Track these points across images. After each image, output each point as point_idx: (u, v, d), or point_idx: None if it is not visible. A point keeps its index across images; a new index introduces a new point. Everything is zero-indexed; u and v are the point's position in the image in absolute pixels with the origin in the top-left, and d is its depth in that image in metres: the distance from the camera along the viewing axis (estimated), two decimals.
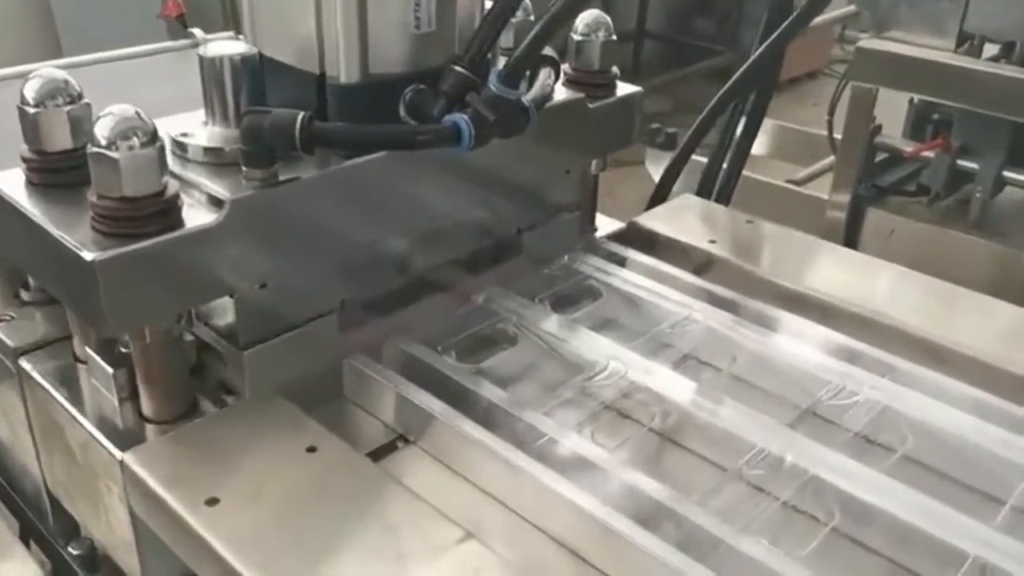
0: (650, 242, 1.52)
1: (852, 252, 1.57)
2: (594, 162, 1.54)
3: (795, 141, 3.25)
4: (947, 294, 1.41)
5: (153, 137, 1.04)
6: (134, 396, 1.16)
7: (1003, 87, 2.39)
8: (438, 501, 1.02)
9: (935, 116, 2.72)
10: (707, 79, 5.84)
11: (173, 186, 1.07)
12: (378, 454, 1.15)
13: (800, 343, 1.29)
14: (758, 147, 3.37)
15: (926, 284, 1.43)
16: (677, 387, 1.20)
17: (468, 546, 0.95)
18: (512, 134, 1.22)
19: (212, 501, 0.98)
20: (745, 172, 3.05)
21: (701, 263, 1.47)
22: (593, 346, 1.26)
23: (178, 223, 1.07)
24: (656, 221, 1.56)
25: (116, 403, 1.17)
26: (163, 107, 1.20)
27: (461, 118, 1.15)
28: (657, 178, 1.97)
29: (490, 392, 1.16)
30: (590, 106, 1.44)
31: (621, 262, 1.47)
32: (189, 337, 1.21)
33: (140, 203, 1.03)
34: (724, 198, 2.02)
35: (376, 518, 0.98)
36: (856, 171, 2.69)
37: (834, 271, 1.47)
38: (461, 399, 1.16)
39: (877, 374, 1.23)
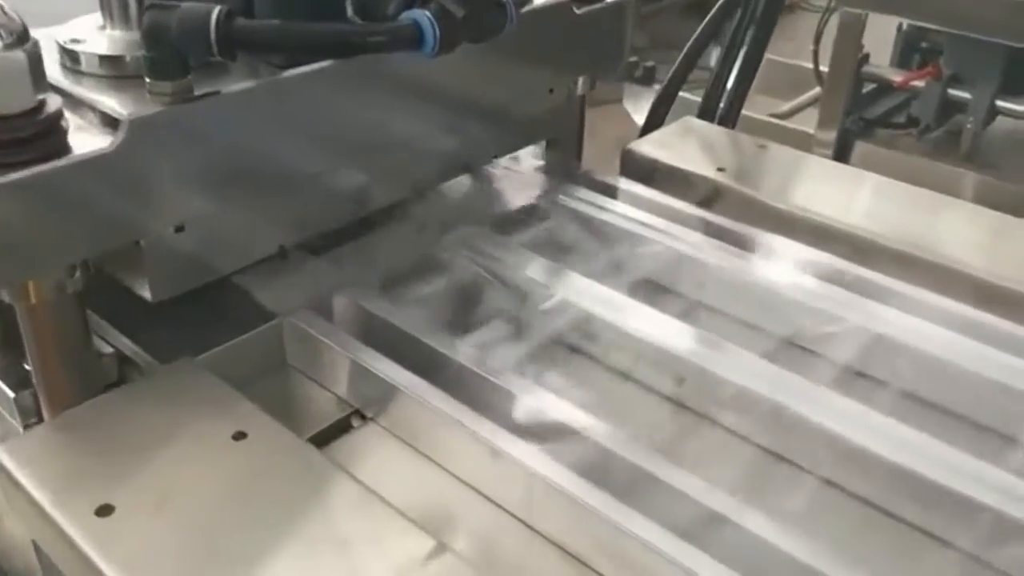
0: (648, 171, 1.24)
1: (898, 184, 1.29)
2: (580, 81, 1.25)
3: (777, 74, 2.97)
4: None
5: (21, 37, 0.77)
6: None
7: (996, 9, 2.15)
8: (402, 496, 0.76)
9: (924, 44, 2.50)
10: (684, 12, 5.49)
11: (55, 103, 0.80)
12: (328, 435, 0.88)
13: (781, 265, 1.04)
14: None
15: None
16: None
17: (440, 563, 0.68)
18: (487, 37, 0.95)
19: (105, 509, 0.71)
20: None
21: (709, 195, 1.19)
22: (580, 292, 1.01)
23: (62, 149, 0.80)
24: (652, 147, 1.27)
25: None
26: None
27: (423, 15, 0.88)
28: (637, 117, 1.69)
29: (462, 354, 0.89)
30: (576, 12, 1.16)
31: (613, 194, 1.20)
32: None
33: (8, 123, 0.76)
34: (728, 125, 1.73)
35: (320, 526, 0.71)
36: (843, 103, 2.46)
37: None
38: (429, 363, 0.89)
39: (867, 297, 1.00)
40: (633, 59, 2.73)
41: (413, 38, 0.88)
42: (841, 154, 2.48)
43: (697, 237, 1.10)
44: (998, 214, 1.18)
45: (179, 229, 0.88)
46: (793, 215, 1.14)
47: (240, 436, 0.78)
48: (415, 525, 0.72)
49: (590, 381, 0.94)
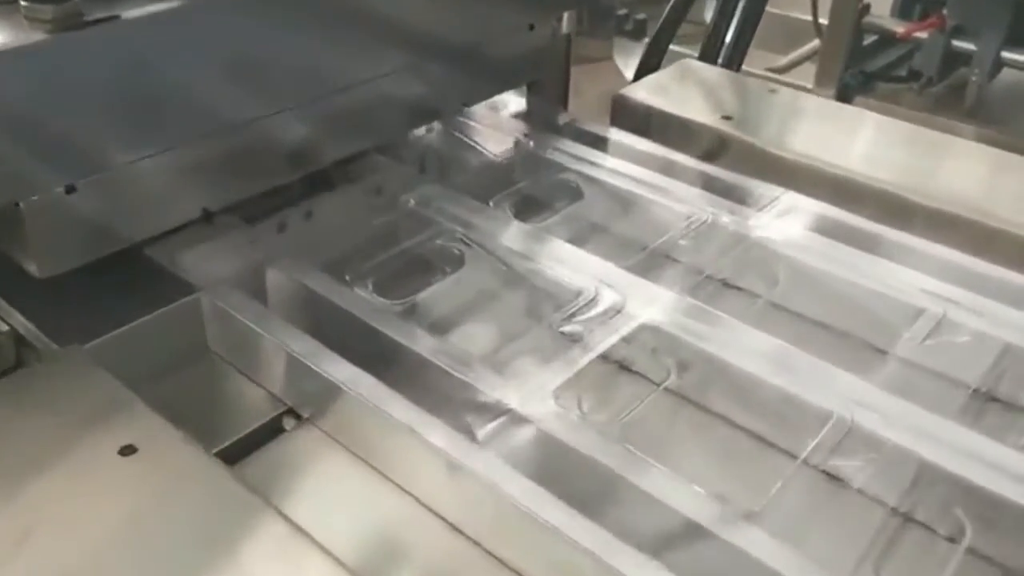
0: (643, 120, 1.03)
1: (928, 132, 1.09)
2: (566, 17, 1.04)
3: (773, 26, 2.77)
4: None
5: None
6: None
7: None
8: (341, 524, 0.60)
9: None
10: None
11: None
12: (252, 441, 0.68)
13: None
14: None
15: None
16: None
17: None
18: None
19: None
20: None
21: (713, 147, 0.98)
22: (574, 266, 0.79)
23: None
24: (648, 93, 1.06)
25: None
26: None
27: None
28: (628, 74, 1.52)
29: (423, 344, 0.69)
30: None
31: (604, 147, 0.99)
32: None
33: None
34: (733, 67, 1.52)
35: (222, 571, 0.52)
36: (843, 56, 2.29)
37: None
38: (379, 353, 0.69)
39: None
40: (623, 11, 2.50)
41: None
42: None
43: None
44: None
45: (70, 190, 0.69)
46: (813, 168, 0.94)
47: (129, 450, 0.59)
48: (333, 560, 0.53)
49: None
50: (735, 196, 0.91)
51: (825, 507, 0.66)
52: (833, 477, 0.67)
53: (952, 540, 0.62)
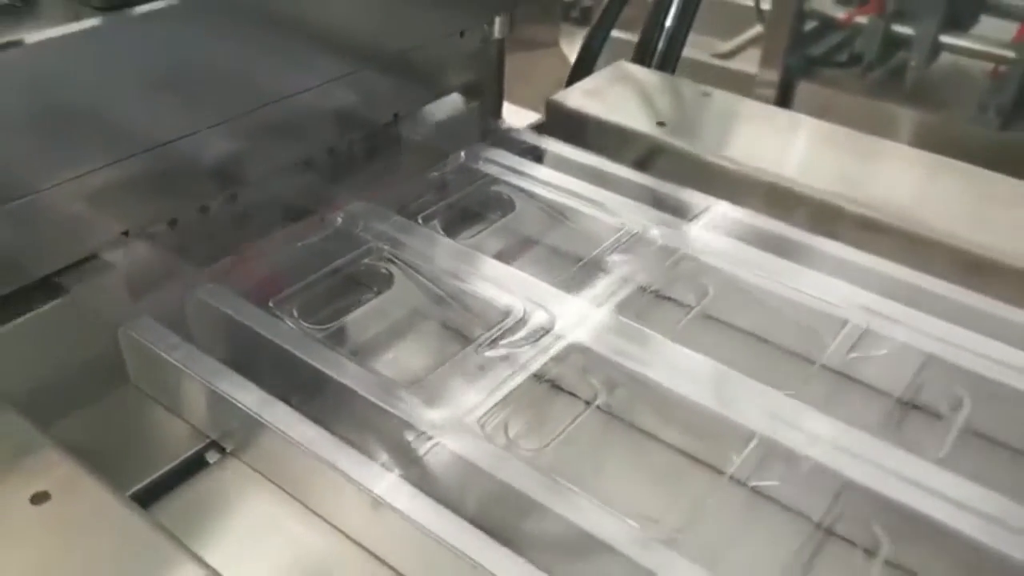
0: (578, 126, 1.02)
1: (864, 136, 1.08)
2: (497, 21, 1.02)
3: (717, 12, 2.78)
4: None
5: None
6: None
7: None
8: (264, 561, 0.58)
9: None
10: None
11: None
12: (174, 477, 0.66)
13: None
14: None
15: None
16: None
17: None
18: None
19: None
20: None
21: (647, 153, 0.98)
22: (503, 284, 0.78)
23: None
24: (582, 98, 1.05)
25: None
26: None
27: None
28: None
29: (346, 371, 0.67)
30: None
31: (538, 157, 0.98)
32: None
33: None
34: (667, 69, 1.52)
35: None
36: (785, 41, 2.30)
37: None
38: (303, 383, 0.68)
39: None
40: None
41: None
42: (784, 94, 2.33)
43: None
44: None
45: None
46: (749, 176, 0.94)
47: (42, 498, 0.57)
48: None
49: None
50: (667, 207, 0.90)
51: (750, 523, 0.67)
52: (758, 493, 0.67)
53: (870, 553, 0.63)
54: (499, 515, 0.60)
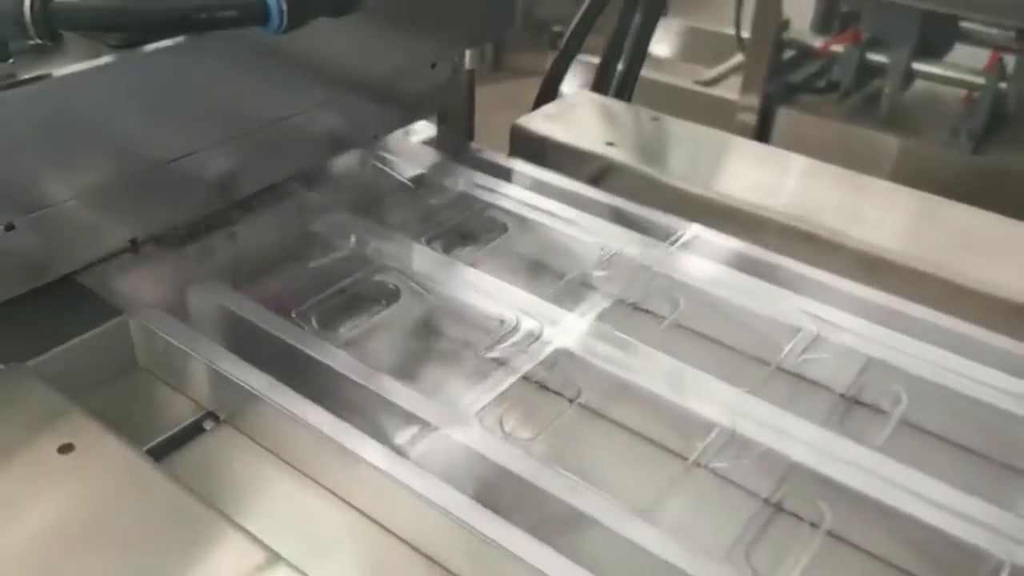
0: (539, 148, 1.15)
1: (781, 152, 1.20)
2: (467, 54, 1.16)
3: (703, 41, 2.89)
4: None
5: None
6: None
7: None
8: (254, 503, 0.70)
9: (843, 9, 2.43)
10: None
11: None
12: (176, 440, 0.79)
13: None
14: (666, 49, 3.02)
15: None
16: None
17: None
18: (343, 12, 0.85)
19: None
20: (652, 75, 2.69)
21: (600, 172, 1.11)
22: (498, 297, 0.91)
23: None
24: (544, 122, 1.18)
25: None
26: None
27: None
28: (562, 86, 1.58)
29: (338, 359, 0.80)
30: None
31: (506, 175, 1.11)
32: None
33: None
34: (624, 97, 1.64)
35: (149, 546, 0.63)
36: (765, 69, 2.39)
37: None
38: (293, 365, 0.80)
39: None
40: (558, 28, 2.62)
41: (257, 14, 0.78)
42: (764, 120, 2.42)
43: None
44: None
45: (9, 228, 0.78)
46: (688, 193, 1.06)
47: (67, 448, 0.69)
48: (249, 537, 0.63)
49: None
50: (643, 229, 1.01)
51: (710, 499, 0.76)
52: (717, 475, 0.77)
53: (814, 525, 0.72)
54: (495, 495, 0.69)
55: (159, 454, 0.77)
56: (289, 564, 0.62)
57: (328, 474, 0.74)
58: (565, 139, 1.14)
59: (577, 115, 1.22)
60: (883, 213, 1.05)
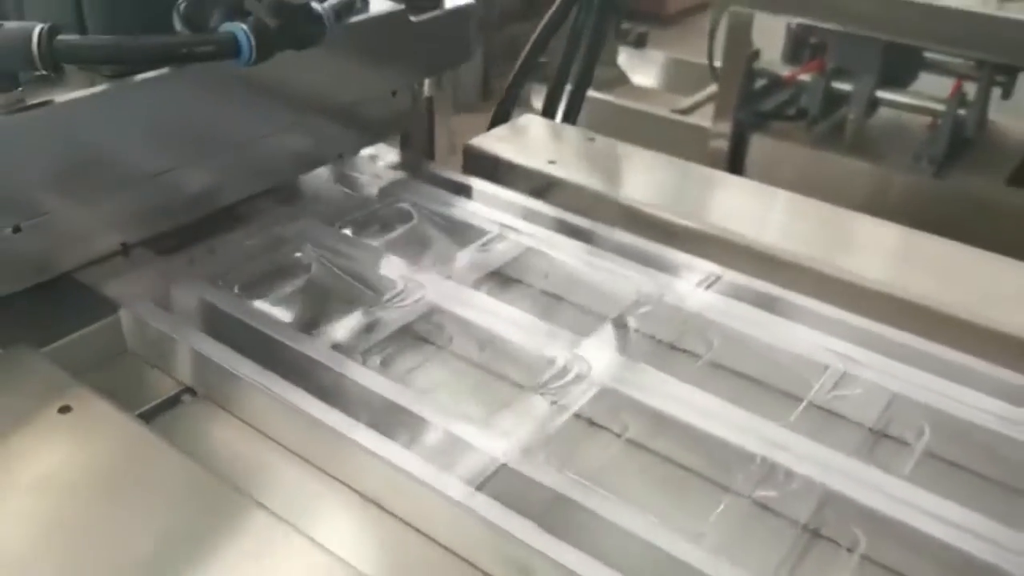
0: (491, 166, 1.29)
1: (705, 169, 1.34)
2: (427, 83, 1.30)
3: (685, 72, 3.03)
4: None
5: None
6: None
7: (873, 6, 2.19)
8: (217, 463, 0.82)
9: (812, 40, 2.52)
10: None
11: None
12: (160, 408, 0.92)
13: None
14: (650, 79, 3.15)
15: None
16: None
17: (253, 519, 0.74)
18: (305, 45, 0.99)
19: None
20: (631, 103, 2.83)
21: (542, 186, 1.24)
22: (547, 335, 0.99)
23: None
24: (495, 142, 1.32)
25: None
26: None
27: (239, 27, 0.93)
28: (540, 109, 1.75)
29: (286, 334, 0.94)
30: (413, 19, 1.20)
31: (457, 189, 1.24)
32: None
33: None
34: (571, 119, 1.78)
35: (138, 498, 0.76)
36: (736, 98, 2.48)
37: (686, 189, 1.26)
38: (268, 355, 0.92)
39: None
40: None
41: (229, 49, 0.92)
42: (737, 146, 2.52)
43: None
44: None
45: (16, 230, 0.91)
46: (616, 202, 1.19)
47: (66, 409, 0.82)
48: (229, 486, 0.76)
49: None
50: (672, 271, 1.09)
51: (752, 526, 0.81)
52: (758, 504, 0.82)
53: (850, 550, 0.78)
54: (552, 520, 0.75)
55: (145, 419, 0.89)
56: (252, 498, 0.75)
57: (292, 436, 0.86)
58: (513, 158, 1.28)
59: (525, 136, 1.36)
60: (789, 218, 1.17)
